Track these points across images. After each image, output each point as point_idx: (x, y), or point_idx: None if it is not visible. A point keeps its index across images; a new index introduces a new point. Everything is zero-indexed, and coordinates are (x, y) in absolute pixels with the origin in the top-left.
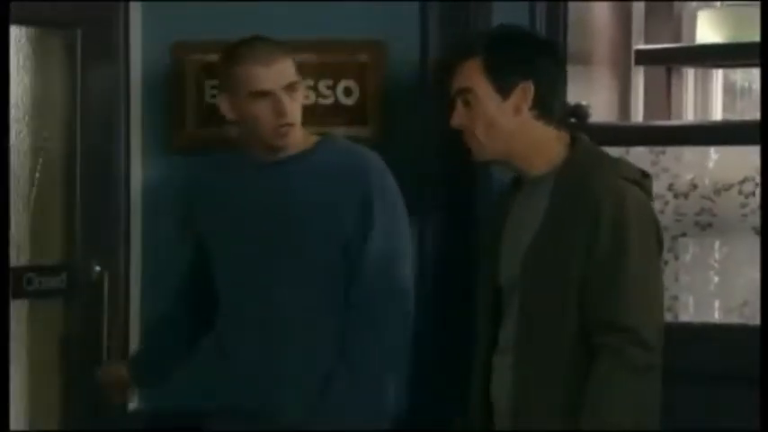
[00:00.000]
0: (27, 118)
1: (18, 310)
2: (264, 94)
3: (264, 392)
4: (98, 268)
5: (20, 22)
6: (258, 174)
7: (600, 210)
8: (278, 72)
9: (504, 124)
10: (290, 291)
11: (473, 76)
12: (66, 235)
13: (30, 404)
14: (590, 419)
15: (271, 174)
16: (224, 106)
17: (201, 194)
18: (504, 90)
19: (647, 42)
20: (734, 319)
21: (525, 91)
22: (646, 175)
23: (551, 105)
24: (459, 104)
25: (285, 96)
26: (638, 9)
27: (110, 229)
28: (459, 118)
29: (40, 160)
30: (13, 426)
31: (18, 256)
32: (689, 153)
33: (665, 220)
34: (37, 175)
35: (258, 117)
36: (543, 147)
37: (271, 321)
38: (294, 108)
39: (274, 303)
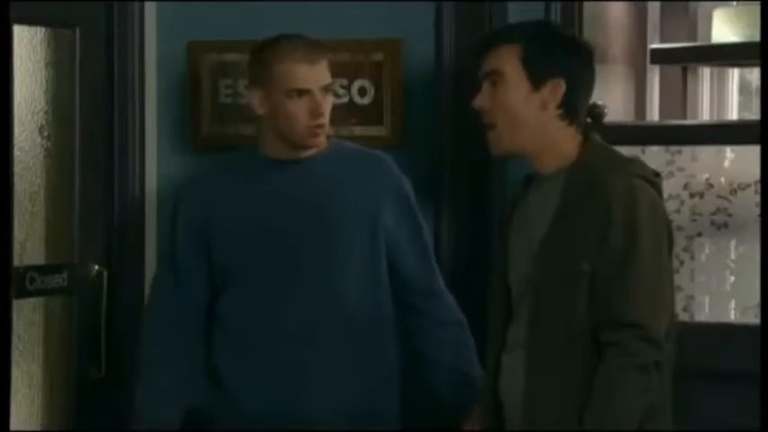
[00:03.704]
0: (30, 117)
1: (20, 309)
2: (303, 92)
3: (308, 400)
4: (96, 267)
5: (20, 22)
6: (282, 173)
7: (611, 206)
8: (318, 72)
9: (527, 116)
10: (329, 290)
11: (508, 61)
12: (69, 234)
13: (32, 403)
14: (592, 415)
15: (298, 172)
16: (254, 101)
17: (215, 200)
18: (536, 81)
19: (662, 41)
20: (750, 318)
21: (556, 88)
22: (657, 174)
23: (578, 108)
24: (486, 86)
25: (321, 96)
26: (654, 8)
27: (122, 229)
28: (482, 99)
29: (43, 159)
30: (14, 425)
31: (21, 255)
32: (704, 152)
33: (681, 219)
34: (39, 174)
35: (294, 115)
36: (558, 145)
37: (312, 324)
38: (328, 109)
39: (314, 303)
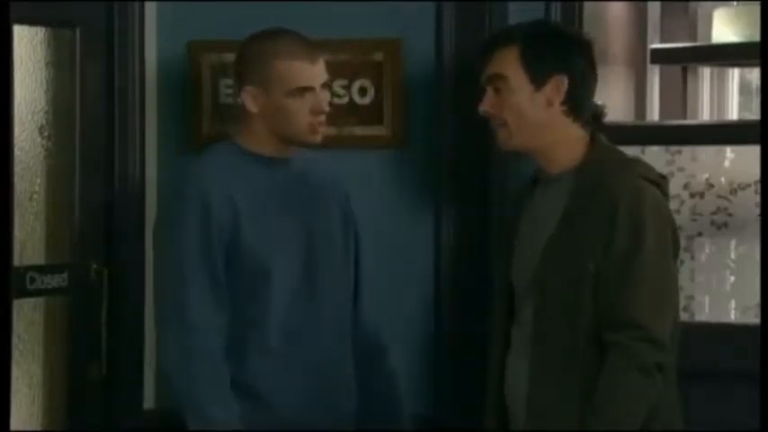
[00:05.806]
0: (30, 117)
1: (20, 309)
2: (306, 90)
3: (332, 396)
4: (96, 267)
5: (20, 22)
6: (273, 170)
7: (618, 208)
8: (320, 69)
9: (534, 115)
10: (341, 287)
11: (508, 64)
12: (69, 234)
13: (32, 403)
14: (595, 418)
15: (288, 170)
16: (248, 99)
17: (226, 195)
18: (537, 80)
19: (662, 41)
20: (750, 318)
21: (558, 84)
22: (663, 176)
23: (582, 103)
24: (490, 91)
25: (322, 93)
26: (654, 8)
27: (122, 229)
28: (487, 104)
29: (43, 159)
30: (14, 425)
31: (21, 255)
32: (705, 152)
33: (681, 219)
34: (39, 174)
35: (295, 113)
36: (566, 144)
37: (332, 318)
38: (327, 104)
39: (332, 302)
